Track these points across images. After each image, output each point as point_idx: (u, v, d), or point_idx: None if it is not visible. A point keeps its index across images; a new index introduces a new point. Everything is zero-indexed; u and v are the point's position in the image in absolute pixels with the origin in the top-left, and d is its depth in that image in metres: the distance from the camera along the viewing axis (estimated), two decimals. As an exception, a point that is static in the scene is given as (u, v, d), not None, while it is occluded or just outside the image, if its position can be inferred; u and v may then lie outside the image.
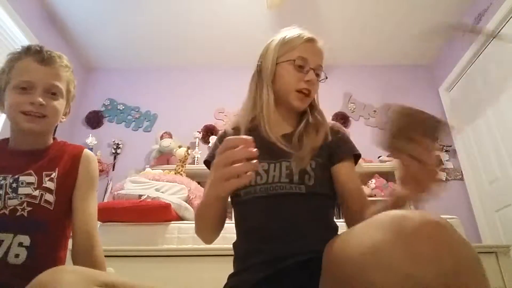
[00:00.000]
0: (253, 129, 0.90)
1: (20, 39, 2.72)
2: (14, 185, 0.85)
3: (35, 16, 2.91)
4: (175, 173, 2.47)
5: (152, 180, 2.00)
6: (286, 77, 0.91)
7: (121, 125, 3.57)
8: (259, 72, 0.95)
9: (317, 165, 0.83)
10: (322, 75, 0.94)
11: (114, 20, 3.19)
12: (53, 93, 0.92)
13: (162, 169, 2.67)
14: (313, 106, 0.97)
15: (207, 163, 0.94)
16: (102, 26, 3.25)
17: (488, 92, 2.81)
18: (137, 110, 3.63)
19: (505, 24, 2.58)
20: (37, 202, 0.85)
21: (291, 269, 0.69)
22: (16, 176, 0.86)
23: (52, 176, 0.90)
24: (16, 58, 0.92)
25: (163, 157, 3.21)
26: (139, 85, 3.74)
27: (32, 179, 0.87)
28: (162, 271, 1.45)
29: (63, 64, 0.95)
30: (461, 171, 3.19)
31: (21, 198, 0.84)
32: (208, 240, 0.87)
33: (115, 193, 1.93)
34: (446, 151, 3.32)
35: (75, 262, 0.86)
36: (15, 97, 0.88)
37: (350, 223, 0.83)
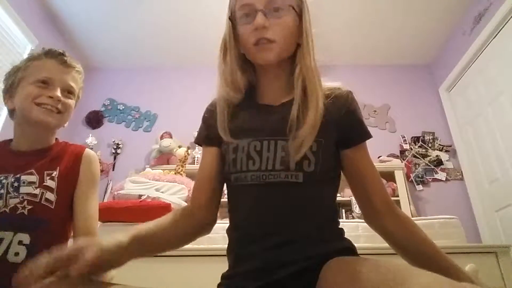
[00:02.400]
0: (248, 97, 0.80)
1: (20, 39, 2.72)
2: (15, 184, 0.85)
3: (35, 16, 2.91)
4: (175, 173, 2.47)
5: (152, 180, 2.00)
6: (240, 35, 0.76)
7: (121, 125, 3.58)
8: None
9: (320, 147, 0.70)
10: (284, 7, 0.74)
11: (114, 20, 3.19)
12: (69, 91, 0.95)
13: (162, 169, 2.67)
14: (302, 61, 0.76)
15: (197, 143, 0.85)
16: (102, 26, 3.26)
17: (488, 92, 2.82)
18: (137, 110, 3.63)
19: (505, 24, 2.58)
20: (37, 200, 0.85)
21: (285, 280, 0.65)
22: (18, 175, 0.87)
23: (53, 175, 0.90)
24: (35, 58, 0.95)
25: (163, 157, 3.22)
26: (139, 85, 3.75)
27: (33, 178, 0.87)
28: (162, 271, 1.45)
29: (79, 69, 1.00)
30: (461, 171, 3.19)
31: (22, 197, 0.84)
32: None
33: (115, 193, 1.93)
34: (446, 151, 3.32)
35: None
36: (33, 89, 0.90)
37: (373, 224, 0.77)
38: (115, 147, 3.42)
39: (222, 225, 1.56)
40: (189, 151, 2.90)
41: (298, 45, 0.78)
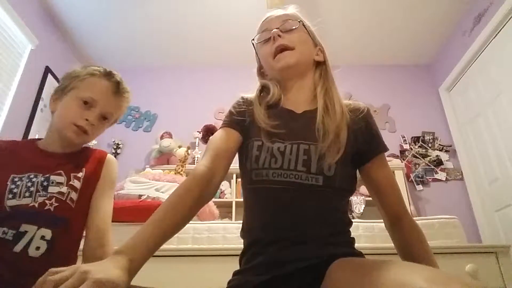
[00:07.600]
0: (274, 104, 0.86)
1: (20, 39, 2.72)
2: (45, 183, 0.89)
3: (35, 16, 2.91)
4: (175, 173, 2.47)
5: (152, 180, 2.00)
6: (262, 54, 0.90)
7: (121, 125, 3.57)
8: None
9: (340, 156, 0.75)
10: (294, 24, 0.87)
11: (114, 20, 3.19)
12: (105, 117, 0.99)
13: (162, 169, 2.67)
14: (324, 74, 0.88)
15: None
16: (102, 26, 3.26)
17: (488, 92, 2.82)
18: (137, 110, 3.63)
19: (505, 24, 2.58)
20: (64, 199, 0.89)
21: (293, 274, 0.68)
22: (47, 175, 0.90)
23: (79, 175, 0.95)
24: (95, 74, 0.99)
25: (163, 157, 3.22)
26: (139, 85, 3.74)
27: (62, 179, 0.92)
28: (162, 271, 1.45)
29: (127, 97, 1.04)
30: (461, 171, 3.19)
31: (50, 195, 0.88)
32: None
33: (115, 193, 1.93)
34: (446, 151, 3.32)
35: (85, 258, 0.89)
36: (75, 108, 0.94)
37: (388, 231, 0.84)
38: (115, 147, 3.42)
39: (222, 225, 1.56)
40: (189, 151, 2.90)
41: (316, 62, 0.89)
